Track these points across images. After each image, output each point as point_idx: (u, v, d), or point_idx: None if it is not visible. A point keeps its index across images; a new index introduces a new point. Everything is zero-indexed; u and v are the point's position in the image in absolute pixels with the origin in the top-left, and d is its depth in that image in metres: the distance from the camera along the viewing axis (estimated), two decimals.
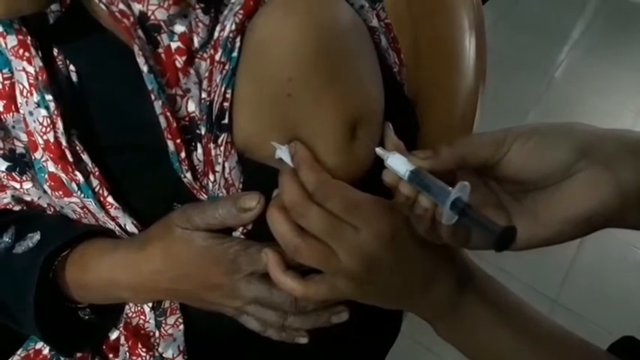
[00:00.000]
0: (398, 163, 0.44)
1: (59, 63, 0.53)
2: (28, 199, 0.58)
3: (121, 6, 0.46)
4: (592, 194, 0.41)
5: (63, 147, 0.52)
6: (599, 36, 2.58)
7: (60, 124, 0.52)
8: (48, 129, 0.52)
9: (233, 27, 0.46)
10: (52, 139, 0.52)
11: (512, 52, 2.28)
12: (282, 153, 0.47)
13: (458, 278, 0.51)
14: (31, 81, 0.51)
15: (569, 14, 2.68)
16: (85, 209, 0.56)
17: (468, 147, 0.43)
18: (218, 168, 0.49)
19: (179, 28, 0.48)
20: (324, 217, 0.45)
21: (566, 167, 0.41)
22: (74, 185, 0.53)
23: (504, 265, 1.42)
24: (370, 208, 0.46)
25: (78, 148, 0.53)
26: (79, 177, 0.53)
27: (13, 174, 0.56)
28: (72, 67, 0.53)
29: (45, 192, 0.56)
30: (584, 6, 2.77)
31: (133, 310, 0.61)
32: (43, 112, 0.51)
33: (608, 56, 2.45)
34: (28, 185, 0.57)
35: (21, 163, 0.56)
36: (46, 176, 0.54)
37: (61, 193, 0.54)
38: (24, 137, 0.55)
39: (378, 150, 0.46)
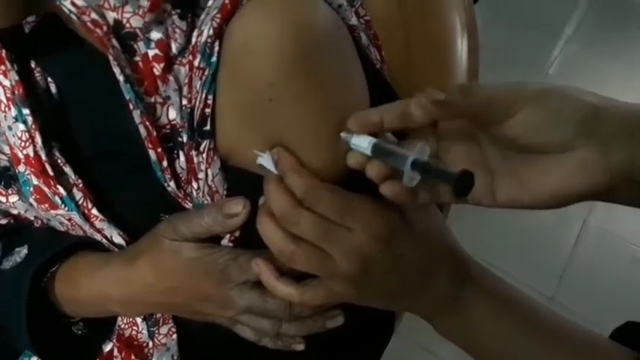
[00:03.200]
0: (361, 141, 0.44)
1: (37, 75, 0.53)
2: (14, 212, 0.58)
3: (94, 15, 0.45)
4: (583, 175, 0.41)
5: (43, 161, 0.52)
6: (593, 31, 2.58)
7: (38, 139, 0.51)
8: (27, 143, 0.51)
9: (211, 32, 0.45)
10: (31, 154, 0.51)
11: (506, 49, 2.27)
12: (264, 160, 0.46)
13: (455, 272, 0.51)
14: (8, 95, 0.51)
15: (562, 10, 2.68)
16: (72, 221, 0.55)
17: (481, 101, 0.41)
18: (201, 175, 0.49)
19: (155, 35, 0.47)
20: (316, 222, 0.45)
21: (566, 142, 0.41)
22: (57, 199, 0.53)
23: (501, 263, 1.42)
24: (362, 209, 0.46)
25: (59, 161, 0.53)
26: (61, 190, 0.52)
27: None
28: (50, 79, 0.53)
29: (31, 205, 0.56)
30: (577, 1, 2.78)
31: (125, 321, 0.61)
32: (21, 126, 0.51)
33: (602, 51, 2.46)
34: (14, 199, 0.56)
35: (5, 177, 0.56)
36: (31, 189, 0.53)
37: (46, 206, 0.54)
38: (7, 150, 0.54)
39: (342, 134, 0.46)
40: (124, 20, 0.46)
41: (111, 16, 0.46)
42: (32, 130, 0.51)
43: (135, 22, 0.46)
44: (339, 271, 0.46)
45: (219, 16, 0.45)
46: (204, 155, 0.48)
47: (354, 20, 0.54)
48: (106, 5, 0.45)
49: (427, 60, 0.74)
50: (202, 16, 0.47)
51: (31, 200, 0.54)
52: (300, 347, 0.54)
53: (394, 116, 0.43)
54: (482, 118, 0.42)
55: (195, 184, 0.50)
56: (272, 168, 0.46)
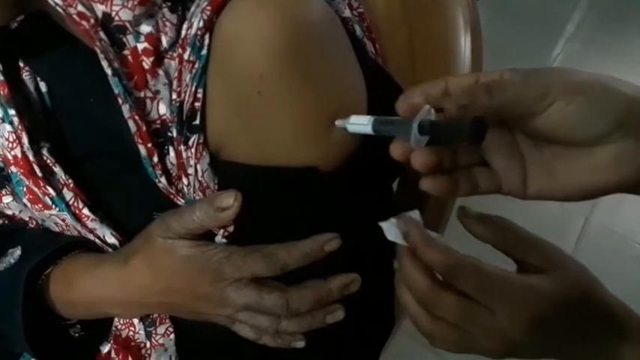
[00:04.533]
0: (359, 120, 0.43)
1: (25, 75, 0.52)
2: (9, 212, 0.58)
3: (80, 8, 0.44)
4: (616, 169, 0.40)
5: (31, 162, 0.51)
6: (595, 29, 2.57)
7: (25, 139, 0.51)
8: (14, 144, 0.51)
9: (201, 24, 0.45)
10: (19, 155, 0.51)
11: (508, 47, 2.26)
12: (388, 231, 0.45)
13: (610, 332, 0.47)
14: None
15: (565, 7, 2.67)
16: (66, 222, 0.55)
17: (508, 99, 0.40)
18: (190, 171, 0.48)
19: (145, 29, 0.46)
20: (457, 306, 0.43)
21: (601, 136, 0.40)
22: (47, 199, 0.52)
23: (502, 261, 1.42)
24: (504, 290, 0.43)
25: (49, 161, 0.52)
26: (51, 191, 0.52)
27: None
28: (39, 78, 0.52)
29: (25, 205, 0.55)
30: None
31: (121, 322, 0.60)
32: (8, 127, 0.51)
33: (604, 49, 2.44)
34: (8, 199, 0.56)
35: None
36: (24, 189, 0.53)
37: (40, 206, 0.53)
38: (0, 151, 0.53)
39: (337, 122, 0.45)
40: (113, 13, 0.45)
41: (99, 8, 0.45)
42: (19, 131, 0.51)
43: (124, 15, 0.46)
44: (482, 349, 0.45)
45: (209, 8, 0.45)
46: (193, 150, 0.47)
47: (347, 12, 0.54)
48: None
49: (430, 59, 0.74)
50: (192, 9, 0.46)
51: (25, 200, 0.54)
52: (301, 344, 0.53)
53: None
54: (512, 117, 0.41)
55: (185, 180, 0.49)
56: (398, 239, 0.44)
